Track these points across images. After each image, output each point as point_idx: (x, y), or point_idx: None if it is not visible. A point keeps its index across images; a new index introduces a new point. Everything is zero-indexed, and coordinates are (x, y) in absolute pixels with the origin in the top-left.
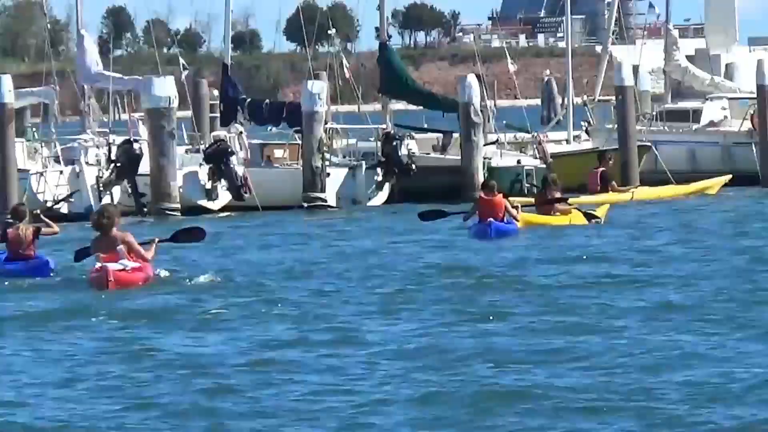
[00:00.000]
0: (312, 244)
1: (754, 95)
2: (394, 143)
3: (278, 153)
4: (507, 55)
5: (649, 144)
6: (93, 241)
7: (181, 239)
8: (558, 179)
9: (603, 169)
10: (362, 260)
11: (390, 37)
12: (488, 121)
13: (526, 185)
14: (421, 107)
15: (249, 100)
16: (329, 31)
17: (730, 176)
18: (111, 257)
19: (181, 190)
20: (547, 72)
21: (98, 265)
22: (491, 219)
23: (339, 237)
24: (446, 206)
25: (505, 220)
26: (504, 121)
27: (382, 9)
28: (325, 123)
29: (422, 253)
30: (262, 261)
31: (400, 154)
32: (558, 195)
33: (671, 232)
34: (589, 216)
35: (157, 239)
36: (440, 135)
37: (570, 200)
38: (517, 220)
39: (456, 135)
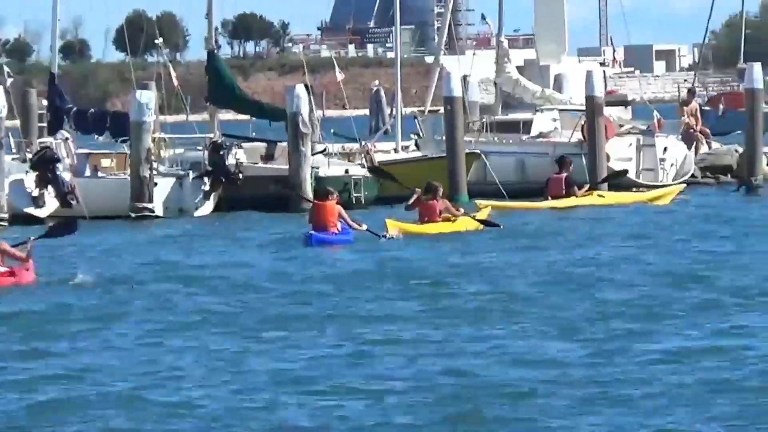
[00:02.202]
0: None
1: (584, 107)
2: (222, 153)
3: (105, 162)
4: (335, 64)
5: (478, 151)
6: None
7: (55, 234)
8: (440, 185)
9: (566, 174)
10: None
11: (219, 46)
12: (316, 130)
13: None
14: (249, 116)
15: (74, 109)
16: (156, 41)
17: (685, 185)
18: None
19: (7, 198)
20: (376, 82)
21: None
22: (312, 232)
23: (154, 247)
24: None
25: (339, 228)
26: (332, 131)
27: (211, 17)
28: (153, 132)
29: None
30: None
31: (227, 163)
32: (446, 203)
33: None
34: (486, 223)
35: (32, 238)
36: (266, 144)
37: (538, 205)
38: (352, 228)
39: (282, 144)
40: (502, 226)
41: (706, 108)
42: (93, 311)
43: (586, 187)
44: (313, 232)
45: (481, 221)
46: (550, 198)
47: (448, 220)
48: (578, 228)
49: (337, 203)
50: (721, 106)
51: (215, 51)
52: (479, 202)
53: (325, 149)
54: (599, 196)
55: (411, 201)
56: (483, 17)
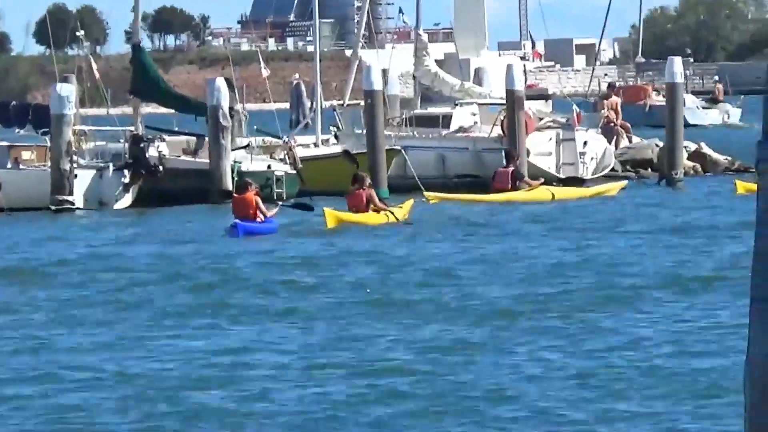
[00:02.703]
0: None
1: (504, 101)
2: (142, 145)
3: (26, 155)
4: (260, 59)
5: (398, 148)
6: None
7: None
8: (365, 175)
9: (513, 168)
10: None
11: (140, 39)
12: (239, 125)
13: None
14: (173, 110)
15: None
16: (78, 34)
17: (626, 182)
18: None
19: None
20: (296, 76)
21: None
22: (237, 221)
23: (70, 239)
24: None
25: (260, 219)
26: (255, 127)
27: (137, 10)
28: (74, 125)
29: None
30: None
31: (147, 155)
32: (371, 193)
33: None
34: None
35: None
36: (192, 138)
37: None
38: (266, 218)
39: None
40: (411, 224)
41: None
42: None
43: (541, 180)
44: (238, 221)
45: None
46: (495, 191)
47: (377, 211)
48: (502, 221)
49: (257, 194)
50: (648, 101)
51: (140, 43)
52: (428, 194)
53: (248, 144)
54: (548, 190)
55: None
56: (400, 11)
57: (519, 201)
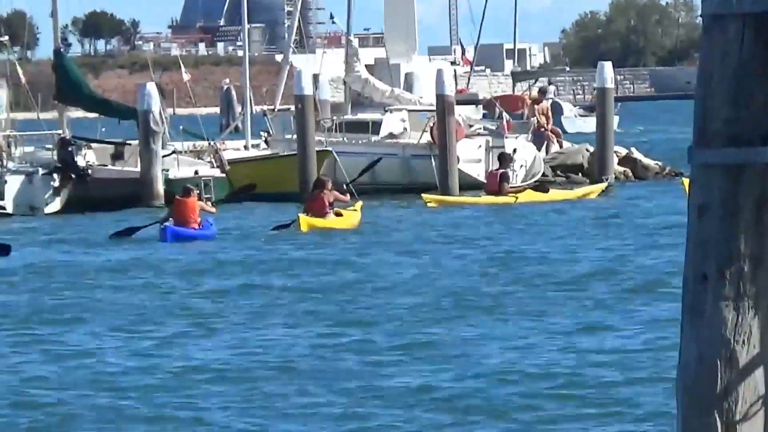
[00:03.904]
0: None
1: (434, 108)
2: (70, 149)
3: None
4: (181, 63)
5: (329, 149)
6: None
7: None
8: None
9: (503, 170)
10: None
11: (69, 44)
12: (164, 128)
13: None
14: (98, 114)
15: None
16: (1, 39)
17: (607, 184)
18: None
19: None
20: (227, 80)
21: None
22: (167, 224)
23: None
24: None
25: (201, 223)
26: (181, 128)
27: (55, 16)
28: (4, 130)
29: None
30: None
31: (75, 158)
32: (335, 195)
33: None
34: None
35: None
36: (114, 146)
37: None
38: (205, 222)
39: (133, 143)
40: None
41: (485, 111)
42: None
43: (525, 185)
44: (168, 224)
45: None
46: (487, 193)
47: (339, 214)
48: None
49: (199, 200)
50: (525, 110)
51: (61, 49)
52: (426, 197)
53: (173, 151)
54: (535, 193)
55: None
56: (331, 17)
57: (511, 204)
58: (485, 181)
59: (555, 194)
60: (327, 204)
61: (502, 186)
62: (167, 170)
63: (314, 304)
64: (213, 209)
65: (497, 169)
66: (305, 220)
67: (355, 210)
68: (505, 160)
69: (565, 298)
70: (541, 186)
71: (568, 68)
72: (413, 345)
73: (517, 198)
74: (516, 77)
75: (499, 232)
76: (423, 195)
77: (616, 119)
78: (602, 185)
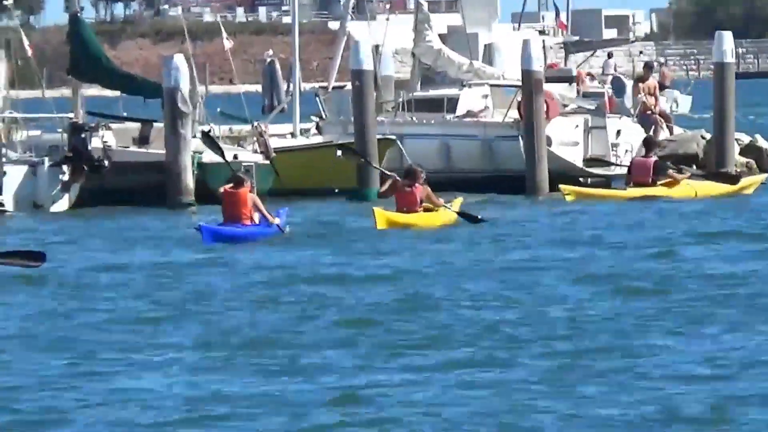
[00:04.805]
0: None
1: (520, 83)
2: (83, 135)
3: None
4: (222, 28)
5: (393, 137)
6: None
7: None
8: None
9: (654, 158)
10: None
11: (82, 8)
12: (198, 109)
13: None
14: (119, 92)
15: None
16: (5, 2)
17: (766, 176)
18: None
19: None
20: (270, 52)
21: None
22: (202, 224)
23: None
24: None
25: (256, 220)
26: (218, 109)
27: None
28: (3, 111)
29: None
30: None
31: (90, 147)
32: (426, 191)
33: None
34: (468, 216)
35: None
36: (140, 125)
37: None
38: (265, 221)
39: (159, 125)
40: (484, 221)
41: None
42: None
43: (687, 174)
44: (203, 224)
45: (461, 214)
46: (632, 185)
47: (429, 210)
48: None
49: (251, 191)
50: (581, 87)
51: (78, 14)
52: (565, 188)
53: (209, 131)
54: (690, 186)
55: (385, 187)
56: None
57: (659, 197)
58: (627, 172)
59: (710, 187)
60: (418, 199)
61: (658, 177)
62: (200, 153)
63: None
64: (271, 217)
65: (645, 156)
66: (383, 216)
67: (450, 206)
68: (651, 145)
69: None
70: (725, 175)
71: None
72: None
73: (696, 192)
74: (568, 48)
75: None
76: (562, 186)
77: (687, 100)
78: (762, 177)
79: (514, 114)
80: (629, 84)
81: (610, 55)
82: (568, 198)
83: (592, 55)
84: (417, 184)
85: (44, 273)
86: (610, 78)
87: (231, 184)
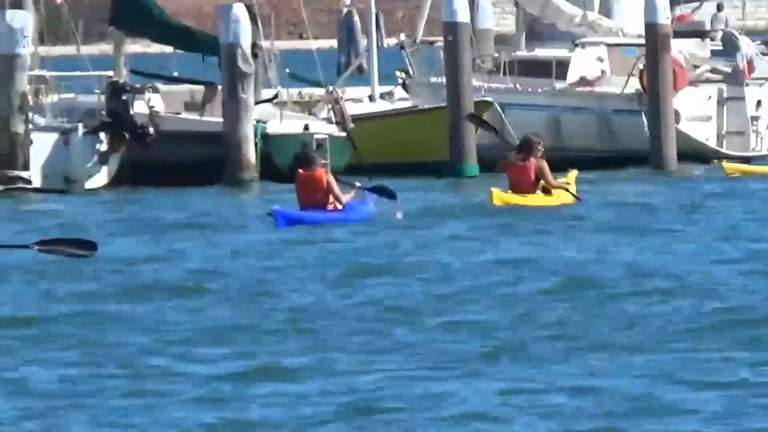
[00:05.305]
0: None
1: (644, 41)
2: (125, 97)
3: None
4: None
5: (490, 99)
6: None
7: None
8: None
9: None
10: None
11: None
12: (265, 70)
13: None
14: (171, 47)
15: None
16: None
17: None
18: None
19: None
20: (347, 1)
21: None
22: (276, 207)
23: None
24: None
25: (333, 206)
26: (287, 71)
27: None
28: (30, 70)
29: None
30: None
31: (132, 112)
32: (541, 166)
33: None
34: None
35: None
36: (198, 88)
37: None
38: (341, 203)
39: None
40: (580, 199)
41: None
42: None
43: None
44: (277, 207)
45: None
46: None
47: (546, 190)
48: None
49: (326, 170)
50: None
51: None
52: (727, 165)
53: (276, 96)
54: None
55: (346, 197)
56: None
57: None
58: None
59: None
60: (535, 176)
61: None
62: (265, 123)
63: None
64: (346, 196)
65: None
66: (499, 195)
67: (565, 182)
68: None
69: None
70: None
71: None
72: None
73: None
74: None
75: None
76: (722, 163)
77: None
78: None
79: (634, 83)
80: (744, 42)
81: (720, 8)
82: (731, 174)
83: (699, 7)
84: (532, 158)
85: (79, 265)
86: (719, 35)
87: (301, 165)
